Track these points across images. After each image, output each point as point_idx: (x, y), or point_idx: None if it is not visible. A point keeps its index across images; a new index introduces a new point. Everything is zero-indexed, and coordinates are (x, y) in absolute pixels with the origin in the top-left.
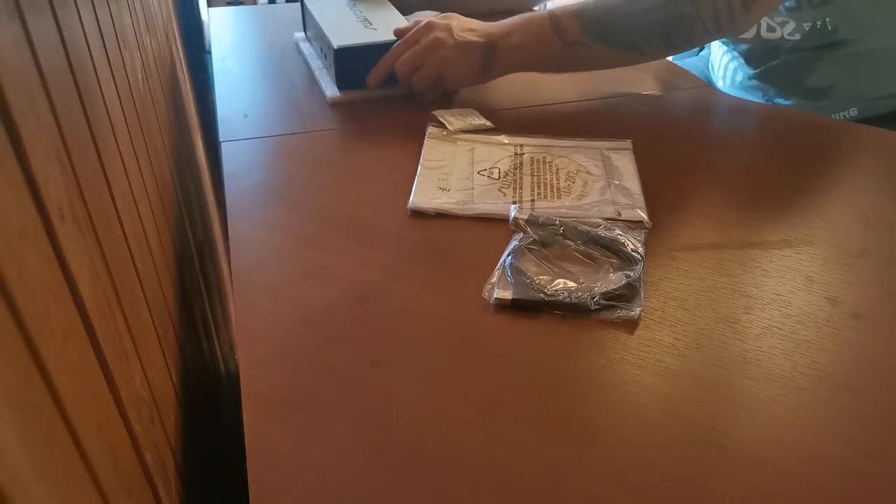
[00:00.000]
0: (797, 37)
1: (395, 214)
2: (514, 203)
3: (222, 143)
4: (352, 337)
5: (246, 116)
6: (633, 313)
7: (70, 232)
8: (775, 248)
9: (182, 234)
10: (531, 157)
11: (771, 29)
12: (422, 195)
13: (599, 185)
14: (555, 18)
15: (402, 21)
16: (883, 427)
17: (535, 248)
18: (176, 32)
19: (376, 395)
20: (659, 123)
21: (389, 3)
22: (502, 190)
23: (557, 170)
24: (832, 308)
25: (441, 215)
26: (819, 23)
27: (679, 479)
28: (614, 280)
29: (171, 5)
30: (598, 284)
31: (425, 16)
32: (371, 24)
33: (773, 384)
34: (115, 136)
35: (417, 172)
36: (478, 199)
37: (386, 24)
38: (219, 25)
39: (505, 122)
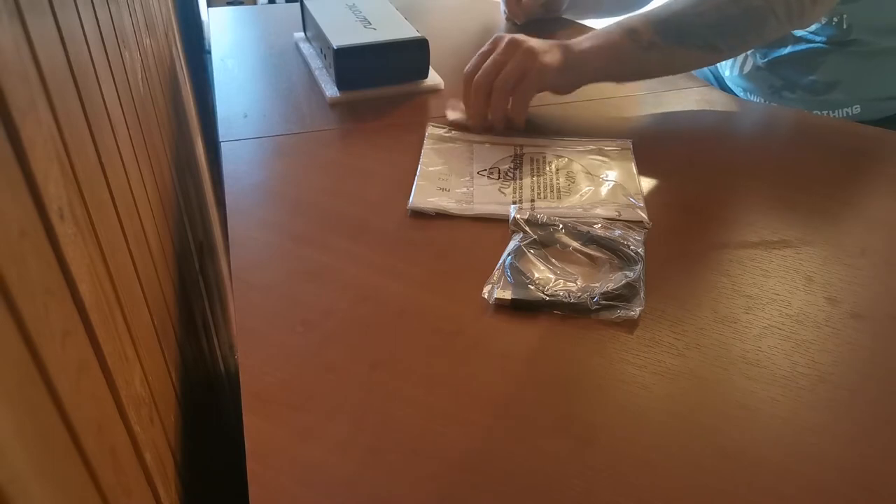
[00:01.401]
0: (811, 28)
1: (395, 214)
2: (514, 203)
3: (222, 143)
4: (352, 337)
5: (246, 116)
6: (632, 313)
7: (70, 232)
8: (775, 248)
9: (182, 234)
10: (531, 157)
11: None
12: (421, 195)
13: (599, 185)
14: (624, 24)
15: (402, 21)
16: (882, 427)
17: (535, 248)
18: (176, 32)
19: (376, 395)
20: (659, 123)
21: (389, 3)
22: (502, 190)
23: (557, 170)
24: (832, 308)
25: (441, 215)
26: (836, 19)
27: (679, 479)
28: (614, 280)
29: (171, 5)
30: (598, 284)
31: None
32: (371, 24)
33: (773, 384)
34: (114, 136)
35: (417, 172)
36: (478, 199)
37: (386, 24)
38: (219, 25)
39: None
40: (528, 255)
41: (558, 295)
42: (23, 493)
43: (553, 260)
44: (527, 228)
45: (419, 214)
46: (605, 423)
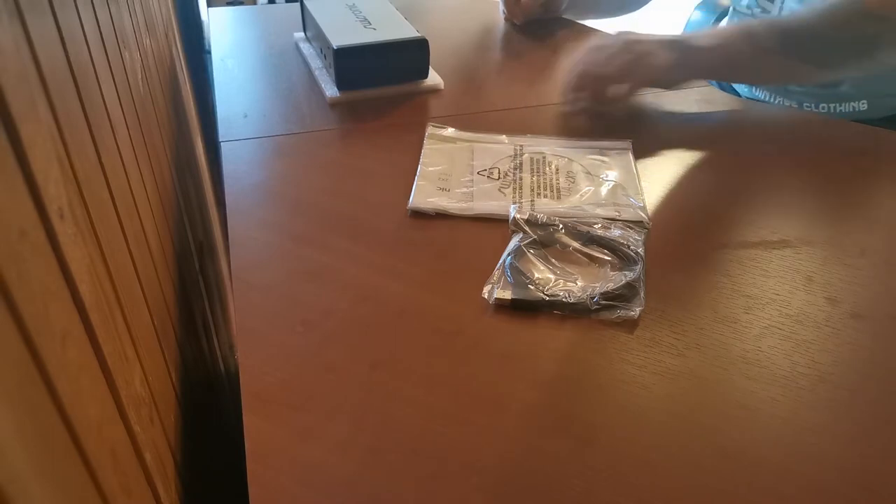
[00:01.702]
0: None
1: (395, 214)
2: (514, 203)
3: (222, 143)
4: (352, 337)
5: (246, 116)
6: (632, 313)
7: (70, 232)
8: (775, 248)
9: (182, 234)
10: (531, 157)
11: None
12: (421, 195)
13: (599, 185)
14: (745, 26)
15: (402, 21)
16: (882, 427)
17: (534, 248)
18: (176, 32)
19: (376, 395)
20: (659, 123)
21: (389, 3)
22: (502, 190)
23: (557, 170)
24: (832, 308)
25: (441, 215)
26: None
27: (679, 479)
28: (614, 280)
29: (171, 5)
30: (598, 284)
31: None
32: (371, 24)
33: (773, 384)
34: (114, 136)
35: (417, 172)
36: (478, 199)
37: (386, 24)
38: (219, 25)
39: (505, 122)
40: (528, 255)
41: (558, 295)
42: (23, 493)
43: (553, 260)
44: (527, 228)
45: (419, 214)
46: (605, 423)
